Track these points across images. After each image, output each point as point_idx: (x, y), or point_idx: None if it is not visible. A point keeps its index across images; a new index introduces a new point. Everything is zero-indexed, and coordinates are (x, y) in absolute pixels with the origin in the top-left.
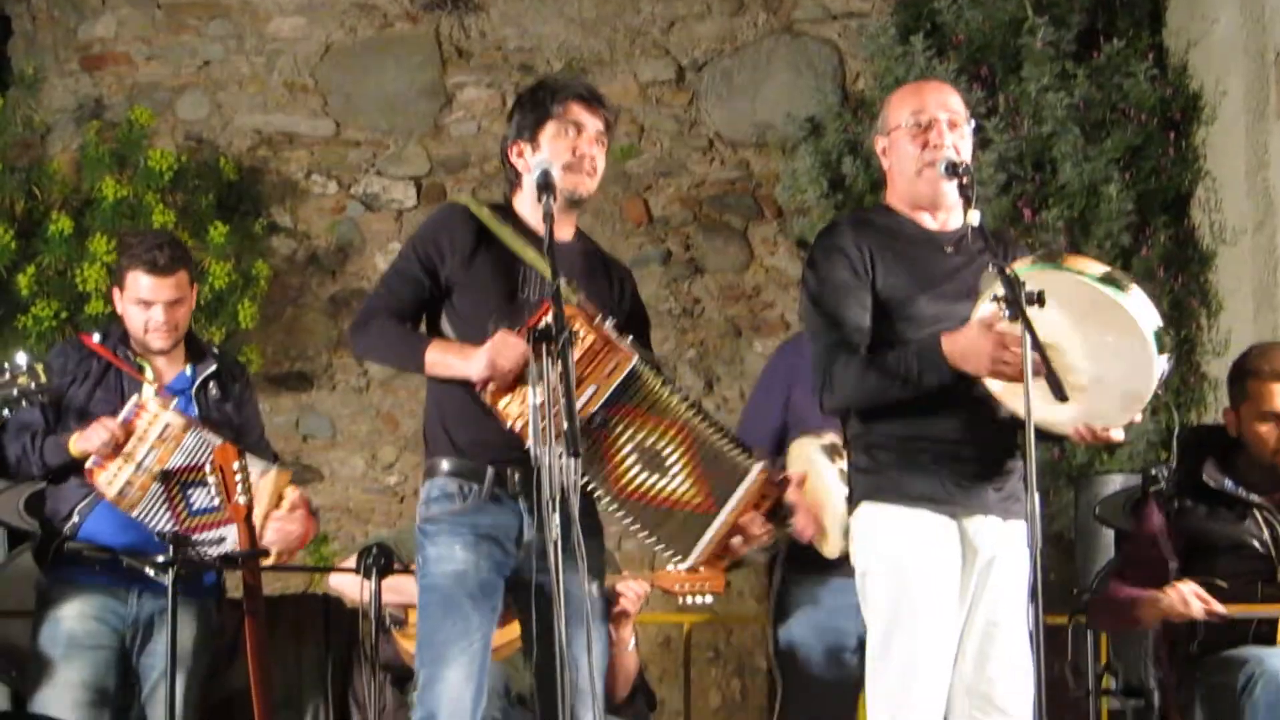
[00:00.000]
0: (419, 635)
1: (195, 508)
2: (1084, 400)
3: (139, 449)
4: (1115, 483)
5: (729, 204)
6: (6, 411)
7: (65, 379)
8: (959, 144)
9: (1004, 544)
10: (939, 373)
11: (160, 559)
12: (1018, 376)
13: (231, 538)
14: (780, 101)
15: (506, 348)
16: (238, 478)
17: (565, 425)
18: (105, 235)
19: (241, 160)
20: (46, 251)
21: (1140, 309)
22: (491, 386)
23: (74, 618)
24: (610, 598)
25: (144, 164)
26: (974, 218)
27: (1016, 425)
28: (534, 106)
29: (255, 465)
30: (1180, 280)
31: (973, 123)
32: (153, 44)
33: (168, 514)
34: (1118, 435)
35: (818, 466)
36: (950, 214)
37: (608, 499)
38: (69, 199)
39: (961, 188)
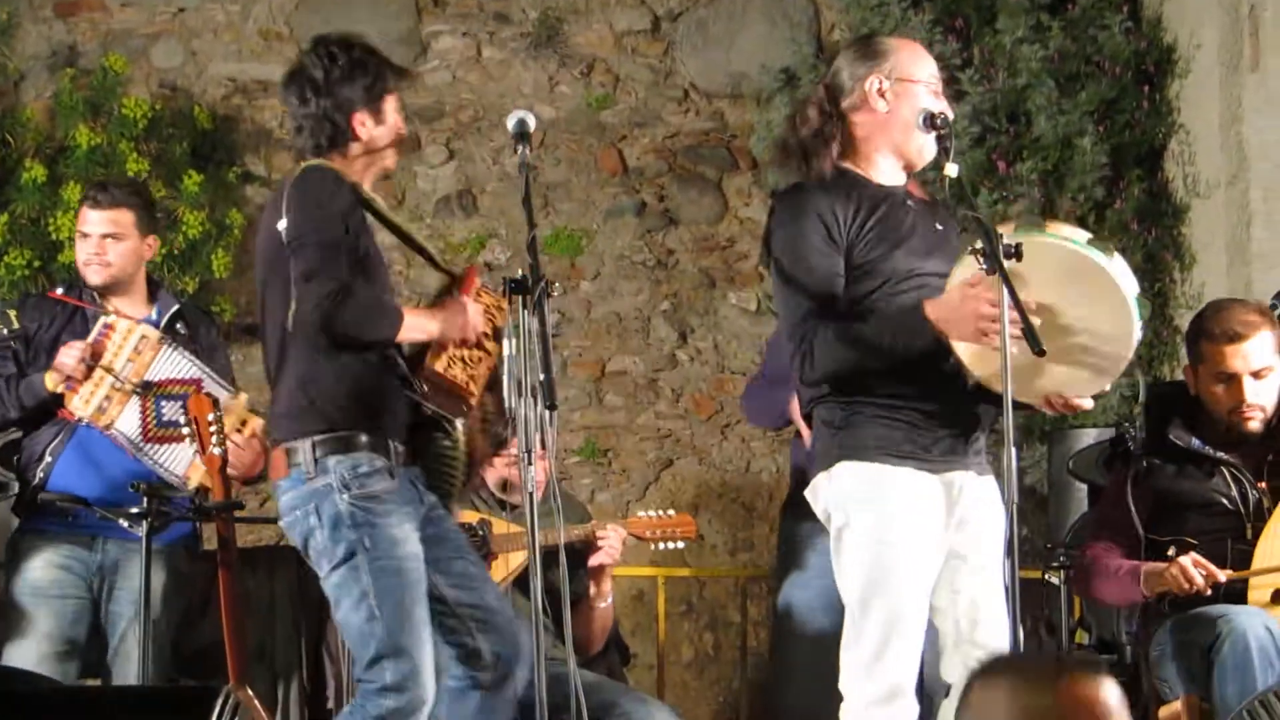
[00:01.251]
0: (386, 620)
1: (163, 419)
2: (1060, 365)
3: (115, 362)
4: (1088, 437)
5: (703, 155)
6: None
7: (32, 325)
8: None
9: (983, 500)
10: (922, 339)
11: (134, 510)
12: (993, 341)
13: (184, 457)
14: (755, 52)
15: (473, 310)
16: (213, 429)
17: (542, 377)
18: (79, 183)
19: (216, 109)
20: (19, 199)
21: (1123, 275)
22: (449, 350)
23: (40, 567)
24: (589, 546)
25: (118, 112)
26: (951, 170)
27: (985, 391)
28: (377, 77)
29: (220, 393)
30: (1154, 234)
31: None
32: None
33: (138, 425)
34: (1086, 404)
35: None
36: (906, 171)
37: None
38: (42, 147)
39: (939, 139)
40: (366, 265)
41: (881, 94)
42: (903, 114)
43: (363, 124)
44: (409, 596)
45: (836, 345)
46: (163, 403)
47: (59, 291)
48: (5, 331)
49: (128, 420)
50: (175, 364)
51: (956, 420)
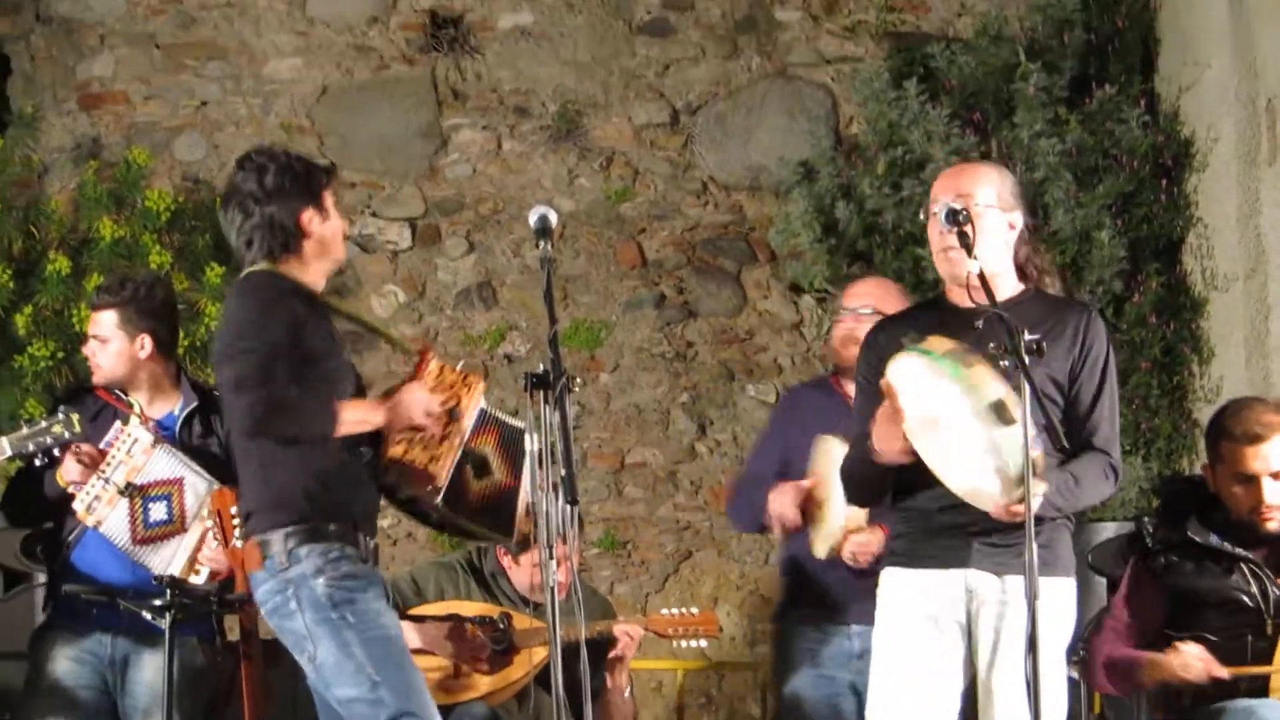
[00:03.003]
0: (390, 685)
1: (151, 520)
2: (971, 475)
3: (109, 465)
4: (1108, 530)
5: (722, 247)
6: (43, 460)
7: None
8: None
9: (1005, 600)
10: (868, 462)
11: (157, 602)
12: (902, 454)
13: (180, 554)
14: (774, 145)
15: (419, 395)
16: (235, 520)
17: (564, 472)
18: (102, 275)
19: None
20: (44, 291)
21: (978, 384)
22: (407, 435)
23: (57, 659)
24: (607, 642)
25: (141, 204)
26: (973, 266)
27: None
28: (310, 175)
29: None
30: (1172, 327)
31: (1000, 211)
32: (151, 84)
33: (128, 530)
34: (1021, 509)
35: (837, 460)
36: (996, 289)
37: (465, 519)
38: (66, 238)
39: (961, 235)
40: (308, 366)
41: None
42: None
43: (310, 221)
44: (405, 661)
45: (849, 469)
46: (150, 505)
47: (99, 386)
48: (68, 435)
49: (115, 521)
50: (166, 465)
51: (973, 523)
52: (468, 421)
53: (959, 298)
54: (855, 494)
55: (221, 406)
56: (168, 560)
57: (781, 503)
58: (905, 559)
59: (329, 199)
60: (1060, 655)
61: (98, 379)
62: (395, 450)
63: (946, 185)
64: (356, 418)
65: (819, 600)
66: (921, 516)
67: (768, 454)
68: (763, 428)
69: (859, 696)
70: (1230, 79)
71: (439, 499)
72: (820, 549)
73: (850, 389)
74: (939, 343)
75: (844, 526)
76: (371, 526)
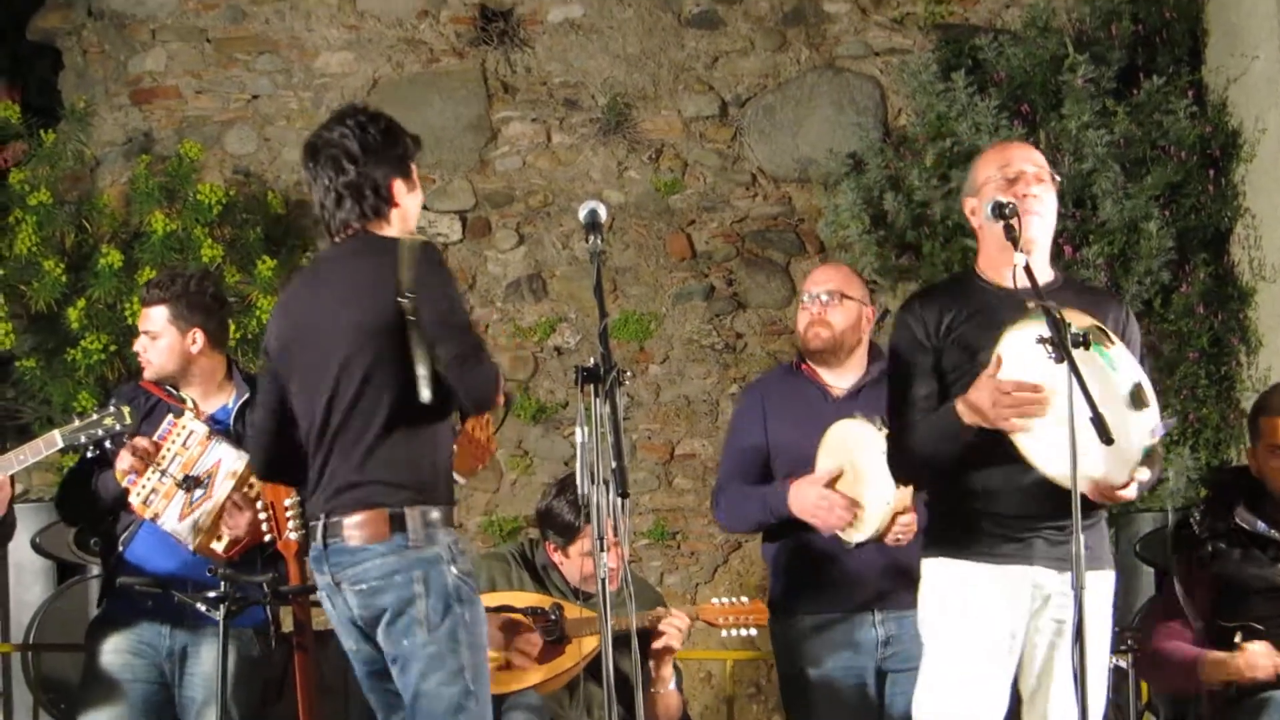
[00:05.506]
0: (480, 698)
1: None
2: (1090, 450)
3: (165, 457)
4: (1156, 520)
5: (771, 239)
6: (94, 451)
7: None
8: (1045, 196)
9: (1058, 593)
10: (955, 428)
11: (211, 594)
12: (1024, 417)
13: (203, 518)
14: (822, 137)
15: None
16: (289, 514)
17: (614, 464)
18: (154, 269)
19: (289, 194)
20: (96, 285)
21: (1120, 363)
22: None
23: (112, 651)
24: (652, 632)
25: (193, 198)
26: (1019, 259)
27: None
28: (405, 145)
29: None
30: (1220, 317)
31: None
32: (202, 78)
33: (192, 526)
34: (1129, 493)
35: (858, 443)
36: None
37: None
38: (118, 232)
39: (1007, 228)
40: None
41: (973, 213)
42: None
43: (399, 190)
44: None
45: (911, 440)
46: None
47: (149, 382)
48: (119, 427)
49: (172, 514)
50: (224, 458)
51: (1035, 516)
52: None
53: (1000, 275)
54: (920, 469)
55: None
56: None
57: (826, 498)
58: (965, 551)
59: (415, 172)
60: (1106, 646)
61: (149, 374)
62: (470, 425)
63: (1024, 155)
64: None
65: (838, 586)
66: (992, 508)
67: (749, 450)
68: (731, 425)
69: (882, 683)
70: (1278, 69)
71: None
72: (857, 536)
73: (824, 376)
74: (1077, 317)
75: (891, 508)
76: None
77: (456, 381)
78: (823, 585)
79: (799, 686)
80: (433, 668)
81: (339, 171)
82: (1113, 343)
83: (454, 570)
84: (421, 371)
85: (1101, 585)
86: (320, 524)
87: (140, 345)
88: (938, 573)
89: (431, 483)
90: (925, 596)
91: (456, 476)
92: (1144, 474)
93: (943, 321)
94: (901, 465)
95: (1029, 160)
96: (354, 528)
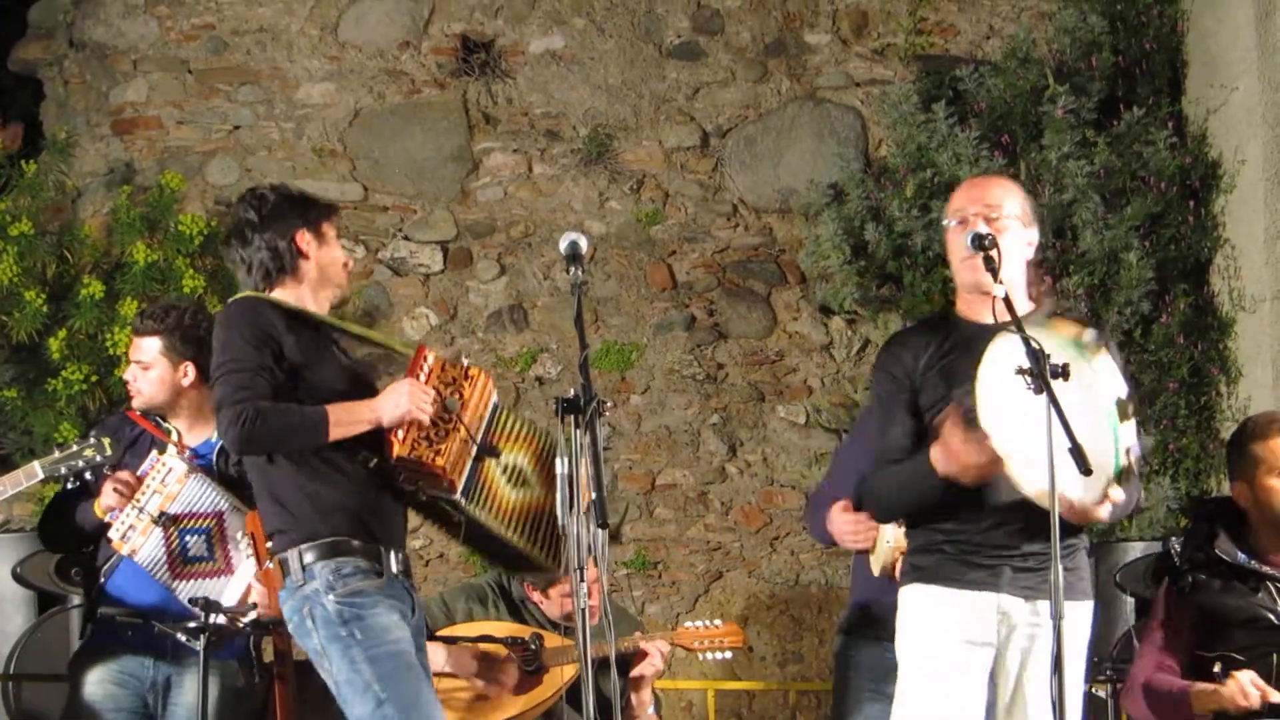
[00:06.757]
0: (395, 702)
1: (189, 554)
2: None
3: (143, 494)
4: (1135, 549)
5: (752, 269)
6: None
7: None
8: (1000, 238)
9: (1028, 623)
10: (931, 480)
11: (192, 624)
12: (980, 474)
13: (230, 591)
14: (803, 168)
15: (411, 389)
16: (269, 544)
17: (593, 495)
18: (136, 299)
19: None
20: (77, 315)
21: (1103, 376)
22: (409, 433)
23: (96, 682)
24: (631, 658)
25: (174, 228)
26: (999, 290)
27: (1029, 508)
28: (309, 206)
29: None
30: (1200, 347)
31: (1022, 225)
32: (183, 108)
33: (166, 564)
34: (1102, 513)
35: None
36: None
37: (497, 522)
38: (100, 263)
39: (987, 260)
40: (292, 379)
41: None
42: (951, 259)
43: (307, 243)
44: (411, 677)
45: (882, 485)
46: (187, 537)
47: (136, 412)
48: (99, 458)
49: (149, 550)
50: (201, 496)
51: (1007, 546)
52: (474, 414)
53: (975, 313)
54: (893, 511)
55: None
56: (215, 591)
57: (840, 522)
58: (934, 577)
59: (329, 229)
60: (1080, 677)
61: (138, 404)
62: (400, 449)
63: (974, 195)
64: (345, 418)
65: (881, 620)
66: (959, 535)
67: (839, 468)
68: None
69: None
70: (1257, 101)
71: (460, 494)
72: (875, 567)
73: None
74: (1068, 327)
75: (894, 546)
76: (394, 538)
77: (217, 427)
78: (871, 616)
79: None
80: (347, 696)
81: (244, 244)
82: (1100, 350)
83: (331, 598)
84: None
85: (1079, 615)
86: None
87: (130, 374)
88: (911, 599)
89: (303, 519)
90: (900, 623)
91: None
92: (1118, 493)
93: (920, 358)
94: (875, 509)
95: (977, 200)
96: (273, 579)
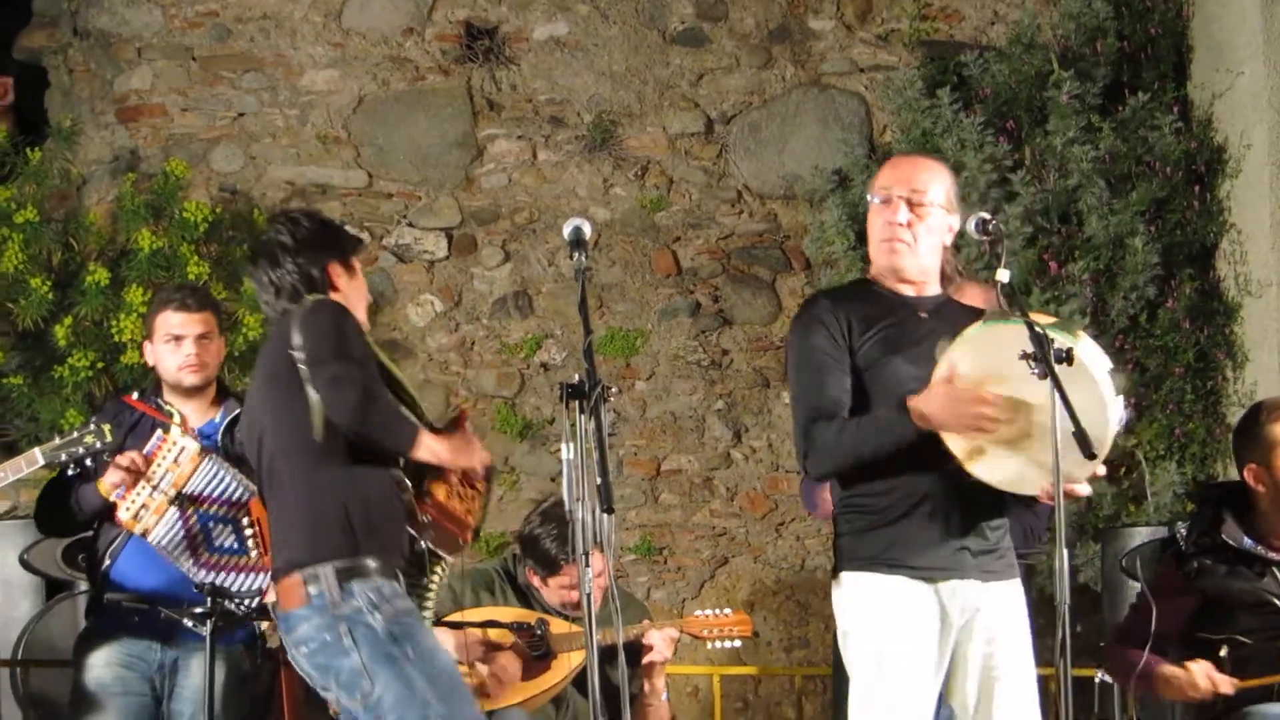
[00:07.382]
0: (450, 698)
1: (216, 545)
2: (1041, 452)
3: (156, 472)
4: (1142, 535)
5: (757, 256)
6: (75, 469)
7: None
8: (917, 227)
9: (987, 605)
10: (905, 430)
11: (198, 610)
12: (990, 430)
13: (263, 584)
14: (808, 154)
15: (479, 445)
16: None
17: (599, 481)
18: (141, 286)
19: (275, 211)
20: (83, 302)
21: (1091, 353)
22: (452, 481)
23: (103, 665)
24: (641, 646)
25: (179, 215)
26: (1003, 275)
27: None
28: (341, 237)
29: None
30: (1206, 332)
31: (945, 212)
32: (188, 96)
33: (184, 545)
34: (1083, 490)
35: None
36: (927, 283)
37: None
38: (105, 250)
39: (991, 244)
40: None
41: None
42: (870, 235)
43: (338, 275)
44: (467, 694)
45: (833, 437)
46: (212, 527)
47: (134, 397)
48: (99, 445)
49: (163, 530)
50: (218, 480)
51: (959, 524)
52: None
53: (897, 286)
54: (842, 463)
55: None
56: (243, 584)
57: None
58: (884, 565)
59: (357, 264)
60: (1029, 654)
61: (199, 379)
62: (439, 493)
63: (900, 176)
64: (431, 444)
65: None
66: (907, 513)
67: None
68: None
69: None
70: (1263, 85)
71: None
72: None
73: None
74: (1043, 315)
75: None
76: (403, 566)
77: (328, 404)
78: None
79: None
80: (399, 714)
81: (275, 265)
82: (1080, 334)
83: (379, 617)
84: (312, 408)
85: (1015, 591)
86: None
87: (192, 348)
88: (857, 586)
89: (335, 535)
90: (845, 610)
91: (443, 554)
92: (1102, 469)
93: (853, 323)
94: (822, 461)
95: (904, 183)
96: (282, 591)
